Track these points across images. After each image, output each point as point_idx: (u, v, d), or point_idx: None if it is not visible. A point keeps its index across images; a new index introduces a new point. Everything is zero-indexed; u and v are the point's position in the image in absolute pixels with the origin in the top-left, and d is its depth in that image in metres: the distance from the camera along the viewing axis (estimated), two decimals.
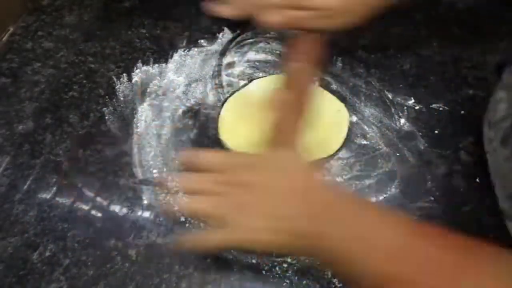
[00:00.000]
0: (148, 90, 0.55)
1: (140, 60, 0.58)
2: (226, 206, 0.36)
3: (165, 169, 0.48)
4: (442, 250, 0.31)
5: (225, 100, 0.54)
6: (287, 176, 0.37)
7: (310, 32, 0.47)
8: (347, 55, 0.58)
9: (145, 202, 0.46)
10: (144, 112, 0.53)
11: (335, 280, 0.41)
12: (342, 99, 0.54)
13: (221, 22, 0.62)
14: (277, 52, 0.59)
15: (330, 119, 0.52)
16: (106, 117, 0.53)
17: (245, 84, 0.56)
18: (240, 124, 0.52)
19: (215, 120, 0.52)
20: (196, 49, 0.59)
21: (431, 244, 0.31)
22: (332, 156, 0.49)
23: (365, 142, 0.51)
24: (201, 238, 0.37)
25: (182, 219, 0.45)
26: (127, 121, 0.52)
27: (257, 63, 0.58)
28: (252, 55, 0.59)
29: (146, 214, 0.45)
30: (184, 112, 0.53)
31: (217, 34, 0.60)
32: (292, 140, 0.40)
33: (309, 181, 0.37)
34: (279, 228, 0.34)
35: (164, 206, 0.45)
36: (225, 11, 0.47)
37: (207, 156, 0.39)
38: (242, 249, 0.37)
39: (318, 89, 0.54)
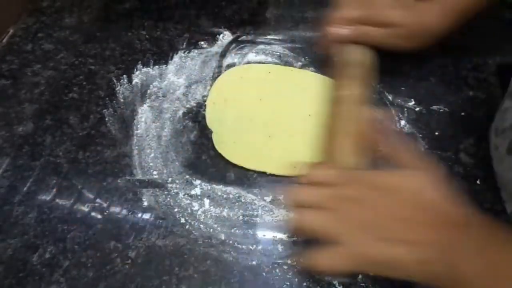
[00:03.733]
0: (148, 91, 0.55)
1: (140, 62, 0.58)
2: (339, 222, 0.34)
3: (165, 171, 0.48)
4: None
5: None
6: (412, 197, 0.33)
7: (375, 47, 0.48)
8: None
9: (145, 203, 0.46)
10: (144, 114, 0.53)
11: (335, 282, 0.41)
12: None
13: (221, 24, 0.62)
14: (277, 53, 0.59)
15: None
16: (106, 119, 0.52)
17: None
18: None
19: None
20: (196, 50, 0.59)
21: None
22: None
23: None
24: (314, 260, 0.34)
25: (182, 220, 0.45)
26: (127, 123, 0.52)
27: None
28: (252, 57, 0.59)
29: (146, 215, 0.45)
30: (184, 114, 0.53)
31: (217, 36, 0.60)
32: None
33: (435, 202, 0.33)
34: (401, 248, 0.32)
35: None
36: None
37: (319, 170, 0.37)
38: (359, 272, 0.34)
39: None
